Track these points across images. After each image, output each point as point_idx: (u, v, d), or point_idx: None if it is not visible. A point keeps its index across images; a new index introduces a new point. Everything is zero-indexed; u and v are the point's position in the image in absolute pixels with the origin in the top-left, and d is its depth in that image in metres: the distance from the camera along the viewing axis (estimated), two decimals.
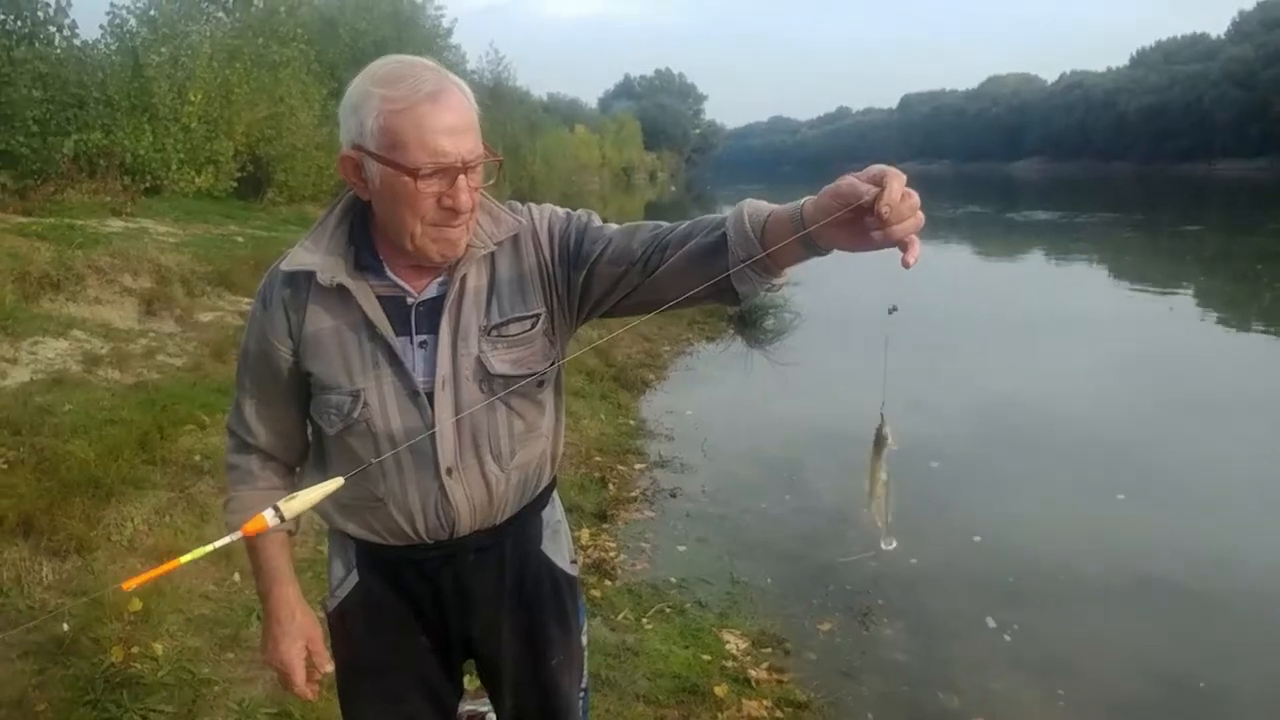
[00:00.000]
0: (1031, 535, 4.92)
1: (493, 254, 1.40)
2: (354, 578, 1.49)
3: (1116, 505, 5.40)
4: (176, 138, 12.24)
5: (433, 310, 1.36)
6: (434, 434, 1.35)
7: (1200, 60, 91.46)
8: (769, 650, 3.48)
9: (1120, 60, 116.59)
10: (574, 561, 1.68)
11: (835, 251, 1.14)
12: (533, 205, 1.46)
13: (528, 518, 1.54)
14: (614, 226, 1.41)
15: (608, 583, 4.00)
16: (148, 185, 11.46)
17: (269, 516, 1.12)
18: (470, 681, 3.15)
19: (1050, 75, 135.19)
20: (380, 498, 1.40)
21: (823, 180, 1.12)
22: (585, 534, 4.51)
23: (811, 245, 1.13)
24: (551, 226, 1.43)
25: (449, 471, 1.38)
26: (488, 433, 1.41)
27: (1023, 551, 4.70)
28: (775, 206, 1.19)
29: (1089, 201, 39.81)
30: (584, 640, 1.70)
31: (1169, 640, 3.87)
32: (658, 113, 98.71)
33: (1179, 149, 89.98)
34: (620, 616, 3.68)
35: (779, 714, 2.99)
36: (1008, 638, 3.81)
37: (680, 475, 5.57)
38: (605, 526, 4.67)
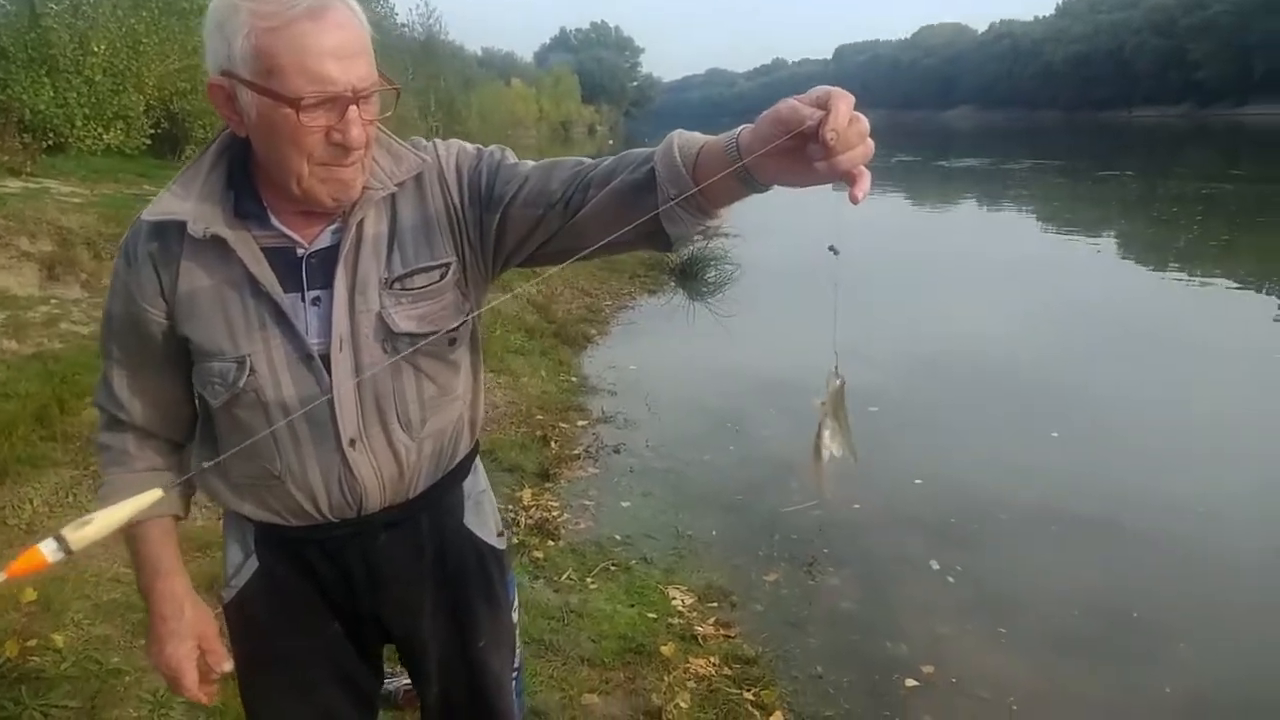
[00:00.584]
0: (970, 477, 4.97)
1: (393, 196, 1.24)
2: (253, 563, 1.35)
3: (1050, 444, 5.51)
4: (80, 91, 11.48)
5: (326, 262, 1.20)
6: (332, 401, 1.20)
7: (1123, 9, 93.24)
8: (715, 605, 3.44)
9: (1047, 9, 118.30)
10: (501, 534, 1.55)
11: (778, 189, 1.02)
12: (438, 141, 1.30)
13: (446, 490, 1.41)
14: (530, 164, 1.26)
15: (551, 543, 3.91)
16: (50, 143, 10.75)
17: (48, 550, 0.88)
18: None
19: (981, 25, 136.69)
20: (277, 475, 1.25)
21: None
22: (527, 494, 4.40)
23: (749, 180, 1.00)
24: (460, 164, 1.27)
25: (352, 443, 1.24)
26: (394, 399, 1.26)
27: (962, 493, 4.75)
28: (708, 138, 1.06)
29: (1018, 148, 40.51)
30: (515, 618, 1.58)
31: (1102, 574, 3.94)
32: (594, 66, 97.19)
33: (1103, 96, 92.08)
34: (564, 577, 3.59)
35: (727, 670, 2.95)
36: (951, 579, 3.84)
37: (624, 430, 5.48)
38: (548, 486, 4.56)
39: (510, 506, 4.23)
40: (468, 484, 1.48)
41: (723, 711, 2.73)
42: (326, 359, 1.20)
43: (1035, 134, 58.11)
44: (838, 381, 1.11)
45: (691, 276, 10.28)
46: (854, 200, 0.95)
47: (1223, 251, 13.04)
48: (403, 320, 1.23)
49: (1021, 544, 4.23)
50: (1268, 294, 10.25)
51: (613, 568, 3.70)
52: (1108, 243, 13.93)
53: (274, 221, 1.19)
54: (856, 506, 4.53)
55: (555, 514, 4.21)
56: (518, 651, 1.58)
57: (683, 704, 2.64)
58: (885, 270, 10.77)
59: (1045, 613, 3.59)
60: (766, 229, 13.05)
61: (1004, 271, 11.12)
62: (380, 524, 1.33)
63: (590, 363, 7.02)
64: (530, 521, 4.08)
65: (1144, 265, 12.34)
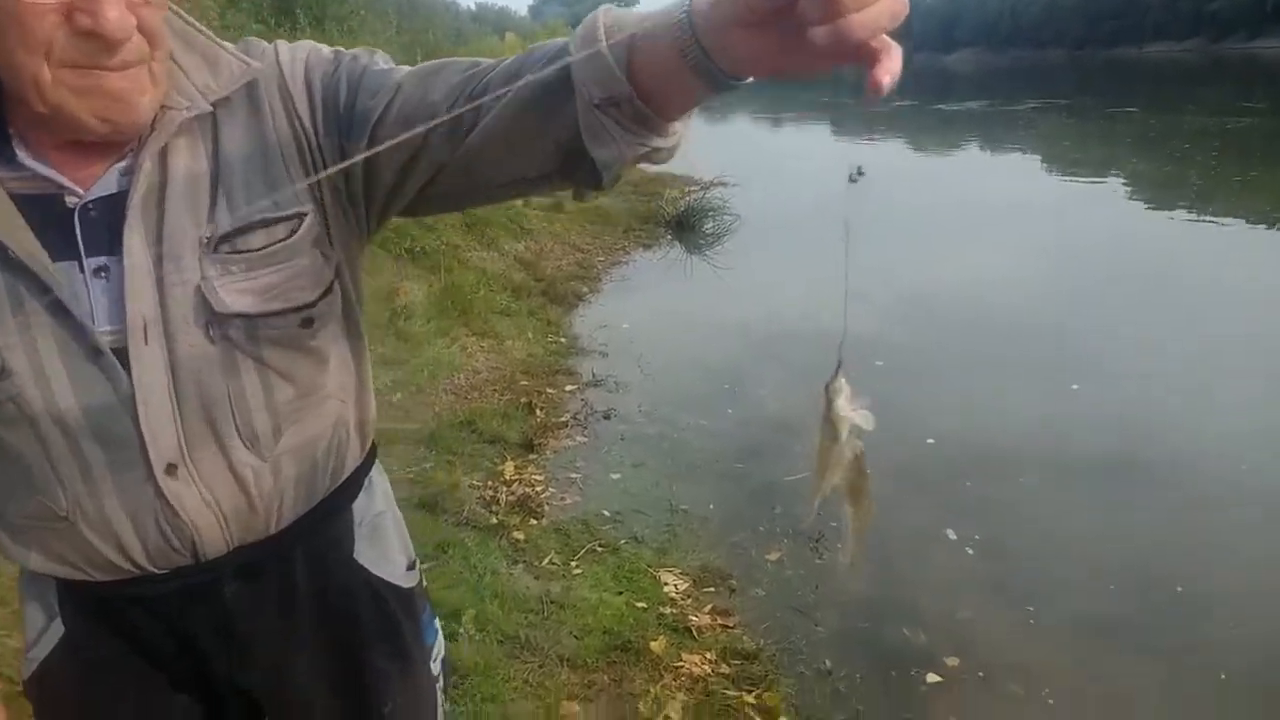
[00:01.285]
0: (987, 434, 4.63)
1: (214, 118, 0.86)
2: (57, 628, 0.99)
3: (1072, 396, 5.16)
4: None
5: (110, 215, 0.83)
6: (136, 413, 0.85)
7: None
8: (712, 589, 3.11)
9: None
10: (412, 566, 1.19)
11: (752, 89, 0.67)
12: (281, 43, 0.92)
13: (325, 517, 1.05)
14: (405, 69, 0.88)
15: (533, 522, 3.58)
16: None
17: None
18: None
19: None
20: (63, 515, 0.89)
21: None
22: (510, 467, 4.07)
23: (711, 69, 0.63)
24: (310, 73, 0.89)
25: (170, 469, 0.88)
26: (231, 405, 0.90)
27: (979, 452, 4.41)
28: (648, 14, 0.67)
29: (1023, 89, 39.46)
30: (436, 669, 1.23)
31: (1137, 539, 3.61)
32: None
33: (1111, 32, 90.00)
34: (546, 562, 3.26)
35: (725, 668, 2.63)
36: (970, 551, 3.51)
37: (615, 395, 5.12)
38: (532, 457, 4.22)
39: (490, 482, 3.90)
40: (359, 506, 1.12)
41: (720, 719, 2.41)
42: (124, 354, 0.84)
43: (1041, 73, 56.67)
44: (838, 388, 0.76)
45: (688, 228, 9.88)
46: (875, 86, 0.56)
47: (1240, 188, 12.54)
48: (233, 296, 0.86)
49: (1045, 507, 3.90)
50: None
51: (600, 549, 3.38)
52: (1118, 183, 13.40)
53: (25, 158, 0.81)
54: (868, 472, 4.20)
55: (539, 489, 3.88)
56: (441, 710, 1.23)
57: (673, 715, 2.32)
58: (888, 218, 10.36)
59: (1077, 587, 3.26)
60: (767, 176, 12.65)
61: (1010, 215, 10.65)
62: (229, 573, 0.97)
63: (581, 322, 6.64)
64: (511, 498, 3.75)
65: (1157, 205, 11.86)
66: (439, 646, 1.26)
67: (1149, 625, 3.01)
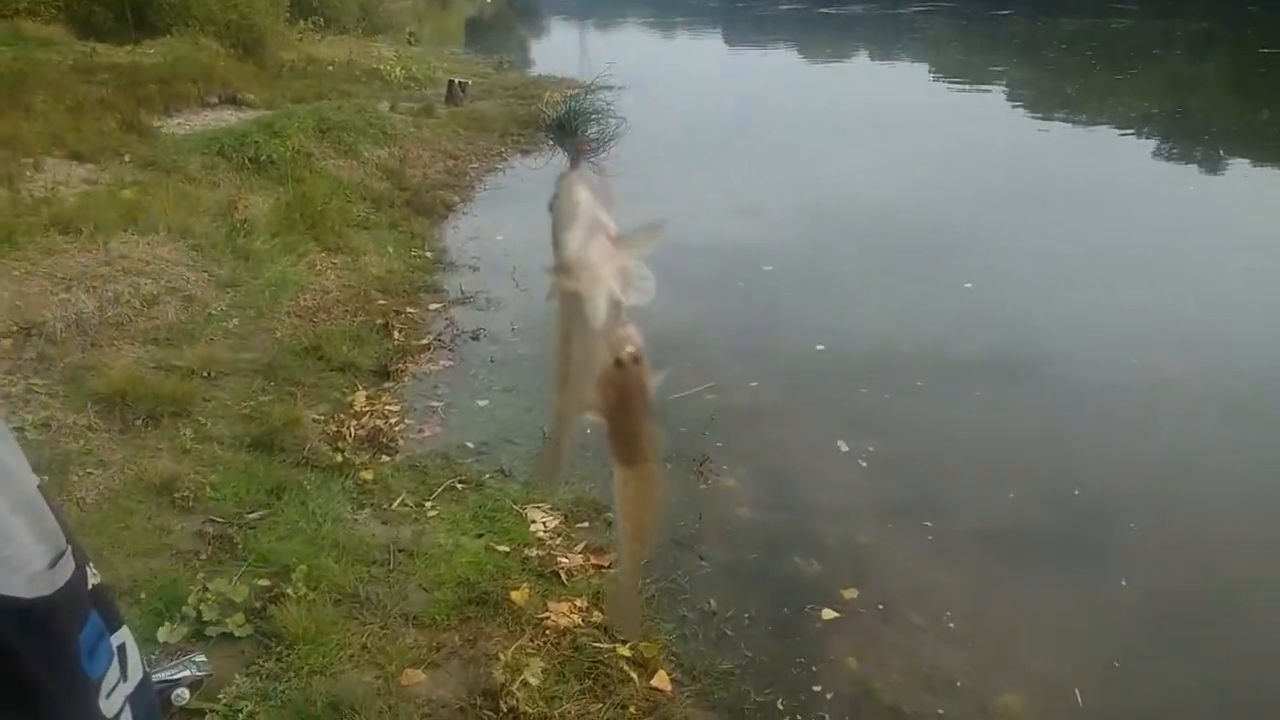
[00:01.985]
0: (877, 337, 4.45)
1: None
2: None
3: (960, 298, 5.05)
4: None
5: None
6: None
7: None
8: (586, 525, 2.77)
9: None
10: (60, 558, 0.75)
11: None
12: None
13: None
14: None
15: (385, 459, 3.14)
16: None
17: None
18: (169, 632, 2.25)
19: None
20: None
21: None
22: (360, 398, 3.59)
23: None
24: None
25: None
26: None
27: (870, 355, 4.24)
28: None
29: None
30: (119, 705, 0.80)
31: (1031, 441, 3.49)
32: None
33: None
34: (396, 504, 2.85)
35: (596, 615, 2.29)
36: (863, 464, 3.30)
37: (485, 313, 4.66)
38: (387, 386, 3.75)
39: (337, 415, 3.42)
40: None
41: (589, 678, 2.09)
42: None
43: None
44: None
45: (571, 133, 9.29)
46: None
47: (1110, 91, 12.80)
48: None
49: (938, 410, 3.73)
50: (1150, 132, 10.11)
51: (460, 486, 2.98)
52: (1000, 90, 13.45)
53: None
54: (754, 384, 3.93)
55: (394, 422, 3.42)
56: None
57: (532, 679, 1.98)
58: (781, 128, 10.11)
59: (974, 496, 3.09)
60: (651, 79, 12.06)
61: (900, 125, 10.48)
62: None
63: (450, 234, 6.08)
64: (361, 433, 3.29)
65: (1037, 111, 11.96)
66: (125, 673, 0.83)
67: (1048, 533, 2.86)
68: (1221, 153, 9.25)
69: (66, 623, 0.76)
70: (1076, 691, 2.18)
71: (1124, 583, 2.60)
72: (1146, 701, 2.24)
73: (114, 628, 0.85)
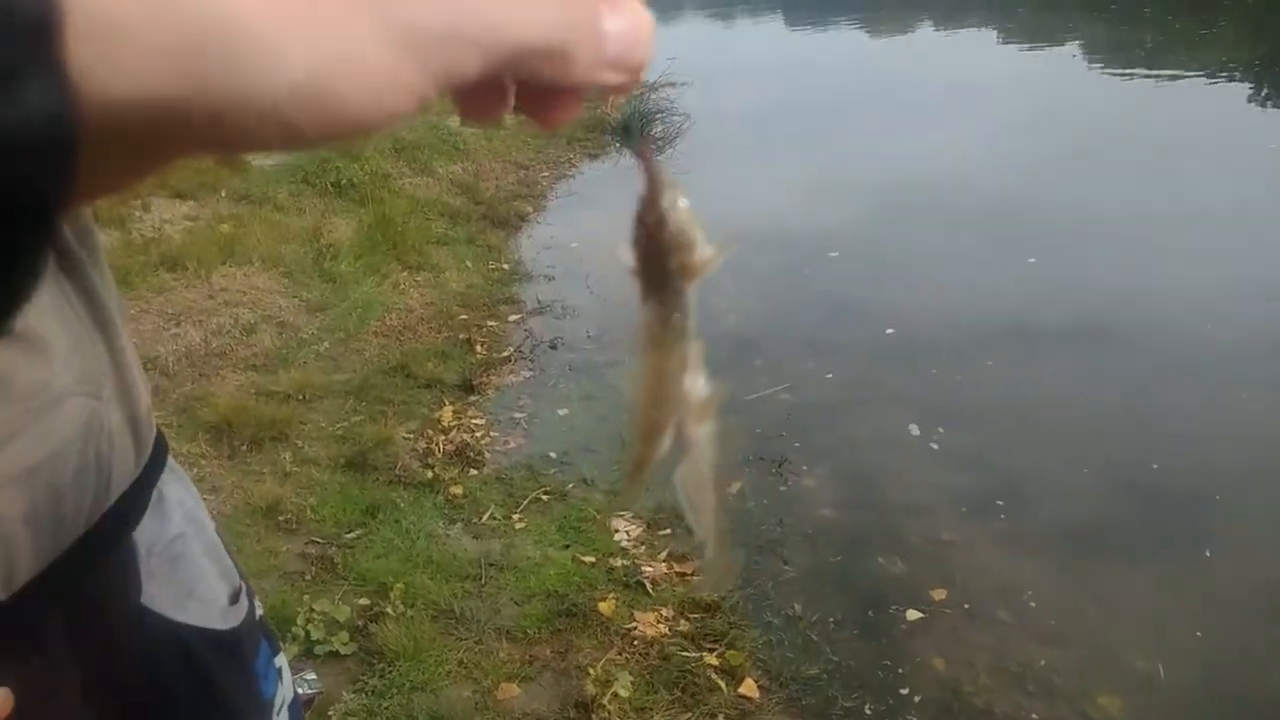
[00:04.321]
0: (946, 317, 4.39)
1: None
2: None
3: (1029, 270, 4.92)
4: None
5: None
6: None
7: None
8: (667, 532, 2.81)
9: None
10: (236, 599, 0.86)
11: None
12: None
13: (91, 560, 0.71)
14: None
15: (473, 473, 3.26)
16: None
17: None
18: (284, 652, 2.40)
19: None
20: None
21: None
22: (448, 413, 3.72)
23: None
24: None
25: None
26: None
27: (939, 338, 4.18)
28: None
29: None
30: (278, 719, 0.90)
31: (1106, 414, 3.40)
32: None
33: None
34: (486, 518, 2.95)
35: (683, 624, 2.35)
36: (935, 446, 3.27)
37: (562, 321, 4.76)
38: (472, 400, 3.87)
39: (427, 432, 3.56)
40: (146, 532, 0.77)
41: (677, 687, 2.14)
42: None
43: None
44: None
45: (636, 133, 9.35)
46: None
47: (1195, 43, 12.12)
48: None
49: (1010, 390, 3.66)
50: (1239, 81, 9.55)
51: (545, 497, 3.07)
52: (1075, 48, 12.89)
53: None
54: (829, 376, 3.91)
55: (479, 435, 3.54)
56: None
57: (623, 691, 2.04)
58: (845, 109, 9.95)
59: (1051, 477, 3.02)
60: (713, 71, 12.01)
61: (968, 95, 10.16)
62: None
63: (526, 245, 6.21)
64: (449, 448, 3.42)
65: (1115, 69, 11.44)
66: (284, 691, 0.94)
67: (1128, 511, 2.79)
68: None
69: (248, 650, 0.88)
70: (1176, 690, 2.12)
71: (1207, 553, 2.52)
72: (1258, 699, 2.17)
73: (275, 652, 0.97)
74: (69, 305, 0.67)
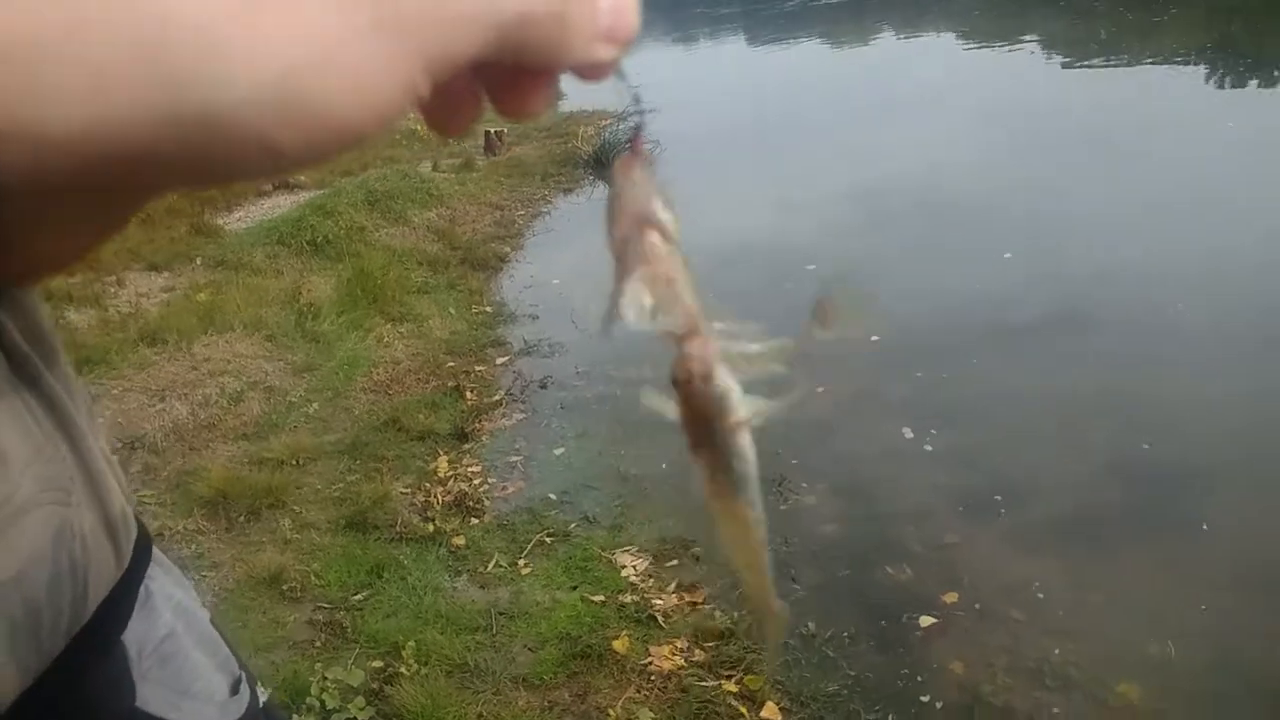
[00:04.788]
0: (928, 320, 4.42)
1: None
2: None
3: (1005, 265, 5.00)
4: None
5: None
6: None
7: None
8: (675, 562, 2.81)
9: None
10: (236, 690, 0.84)
11: None
12: None
13: (79, 670, 0.70)
14: None
15: (474, 522, 3.25)
16: None
17: None
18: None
19: None
20: None
21: None
22: (443, 463, 3.72)
23: None
24: None
25: None
26: None
27: (922, 341, 4.21)
28: None
29: None
30: None
31: (1093, 397, 3.44)
32: None
33: None
34: (491, 566, 2.94)
35: (698, 654, 2.34)
36: (929, 448, 3.30)
37: (550, 360, 4.77)
38: (466, 447, 3.87)
39: (424, 485, 3.55)
40: (134, 634, 0.76)
41: (699, 719, 2.13)
42: None
43: None
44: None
45: (608, 164, 9.44)
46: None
47: (1142, 33, 12.38)
48: None
49: (996, 384, 3.71)
50: (1194, 65, 9.75)
51: (548, 539, 3.06)
52: (1033, 47, 13.13)
53: None
54: (819, 390, 3.93)
55: (477, 483, 3.54)
56: None
57: None
58: (812, 122, 10.09)
59: (1046, 468, 3.05)
60: (679, 96, 12.15)
61: (931, 100, 10.33)
62: None
63: (507, 286, 6.23)
64: (448, 499, 3.41)
65: (1072, 62, 11.64)
66: None
67: (1123, 494, 2.82)
68: (1277, 73, 8.87)
69: None
70: (1189, 668, 2.13)
71: (1204, 526, 2.55)
72: (1269, 668, 2.17)
73: None
74: (28, 413, 0.66)
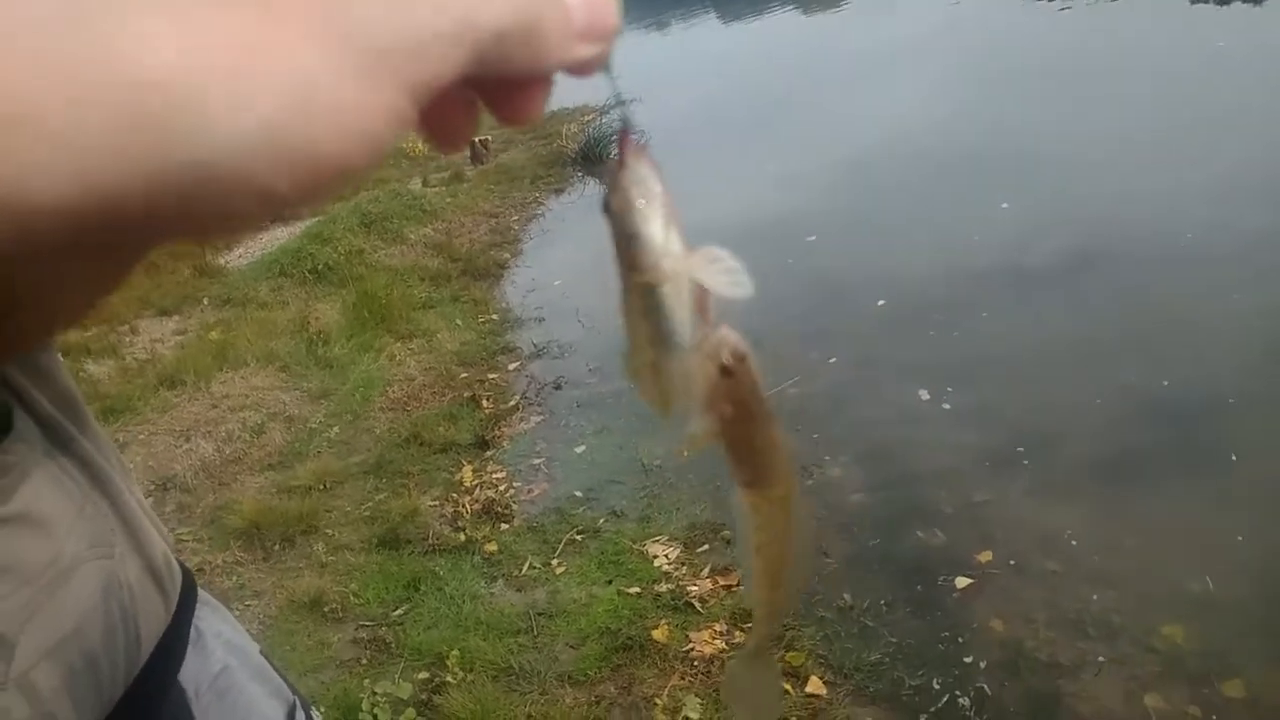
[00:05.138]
0: (932, 278, 4.43)
1: None
2: None
3: (1004, 214, 4.99)
4: None
5: None
6: None
7: None
8: (706, 548, 2.83)
9: None
10: (292, 716, 0.87)
11: None
12: None
13: (141, 716, 0.72)
14: None
15: (504, 527, 3.28)
16: None
17: None
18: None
19: None
20: None
21: None
22: (468, 473, 3.75)
23: None
24: None
25: None
26: None
27: (929, 299, 4.22)
28: None
29: None
30: None
31: (1105, 339, 3.43)
32: None
33: None
34: (525, 569, 2.97)
35: (738, 636, 2.36)
36: (947, 407, 3.30)
37: (561, 360, 4.78)
38: (489, 455, 3.89)
39: (451, 495, 3.58)
40: (190, 673, 0.78)
41: None
42: None
43: None
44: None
45: (596, 160, 9.42)
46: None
47: None
48: None
49: (1009, 336, 3.69)
50: None
51: (579, 536, 3.09)
52: None
53: None
54: (832, 361, 3.94)
55: (503, 489, 3.56)
56: None
57: (693, 714, 2.06)
58: (793, 92, 10.04)
59: (1069, 418, 3.04)
60: (658, 82, 12.12)
61: (907, 55, 10.26)
62: None
63: (510, 292, 6.25)
64: (476, 507, 3.43)
65: None
66: None
67: (1147, 432, 2.81)
68: None
69: None
70: (1230, 602, 2.13)
71: (1232, 457, 2.55)
72: None
73: None
74: (65, 476, 0.68)
